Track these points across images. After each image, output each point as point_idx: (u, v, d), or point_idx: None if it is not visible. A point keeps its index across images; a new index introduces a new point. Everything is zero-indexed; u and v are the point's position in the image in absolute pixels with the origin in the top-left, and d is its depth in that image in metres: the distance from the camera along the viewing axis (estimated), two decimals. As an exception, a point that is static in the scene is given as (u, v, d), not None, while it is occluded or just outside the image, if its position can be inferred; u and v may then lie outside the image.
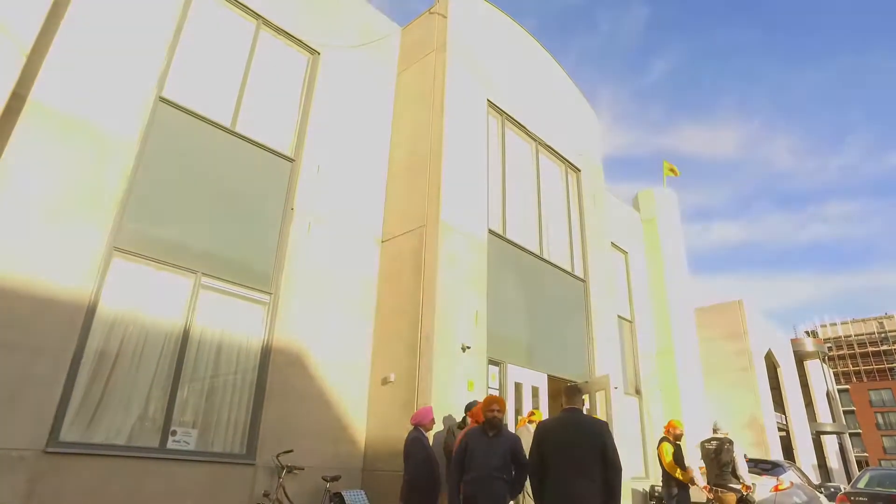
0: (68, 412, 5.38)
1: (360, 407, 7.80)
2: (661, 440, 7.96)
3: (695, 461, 8.13)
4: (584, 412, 4.60)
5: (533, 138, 11.07)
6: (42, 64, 5.79)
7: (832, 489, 16.53)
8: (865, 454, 59.47)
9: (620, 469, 4.12)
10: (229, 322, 6.90)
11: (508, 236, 9.61)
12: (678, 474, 7.61)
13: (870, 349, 77.96)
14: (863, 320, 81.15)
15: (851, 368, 77.69)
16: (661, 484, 8.43)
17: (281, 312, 7.27)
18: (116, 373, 5.83)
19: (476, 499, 4.63)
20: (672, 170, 19.05)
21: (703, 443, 7.91)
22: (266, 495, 6.23)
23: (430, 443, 6.18)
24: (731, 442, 7.56)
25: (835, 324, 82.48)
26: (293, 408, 7.04)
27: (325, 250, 8.01)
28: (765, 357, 24.07)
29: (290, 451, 6.60)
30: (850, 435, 38.54)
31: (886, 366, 75.71)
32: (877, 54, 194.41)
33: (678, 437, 7.97)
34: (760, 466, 10.12)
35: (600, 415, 9.40)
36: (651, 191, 18.54)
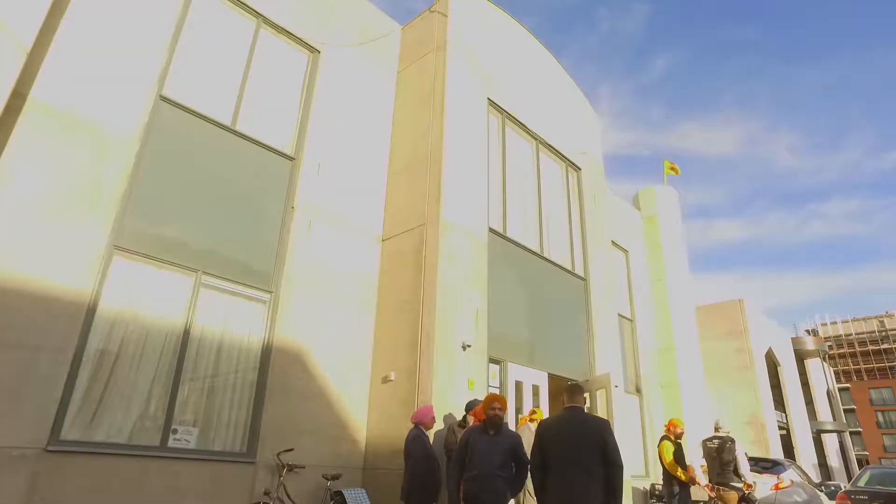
0: (69, 411, 5.39)
1: (361, 405, 7.80)
2: (662, 439, 7.97)
3: (696, 460, 8.13)
4: (585, 410, 4.60)
5: (533, 137, 11.06)
6: (42, 62, 5.79)
7: (832, 487, 16.55)
8: (866, 453, 59.49)
9: (621, 467, 4.12)
10: (230, 320, 6.90)
11: (509, 235, 9.61)
12: (679, 474, 7.61)
13: (870, 348, 77.91)
14: (863, 319, 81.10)
15: (852, 367, 77.67)
16: (661, 482, 8.43)
17: (281, 311, 7.27)
18: (117, 371, 5.83)
19: (477, 497, 4.63)
20: (673, 168, 19.03)
21: (704, 441, 7.92)
22: (267, 494, 6.23)
23: (431, 441, 6.19)
24: (732, 440, 7.56)
25: (835, 322, 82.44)
26: (294, 406, 7.05)
27: (326, 249, 8.01)
28: (765, 355, 24.08)
29: (291, 449, 6.60)
30: (851, 433, 38.57)
31: (887, 364, 75.68)
32: (878, 52, 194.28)
33: (679, 436, 7.98)
34: (761, 465, 10.12)
35: (601, 413, 9.41)
36: (652, 189, 18.53)
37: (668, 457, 7.68)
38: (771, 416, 22.09)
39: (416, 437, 5.84)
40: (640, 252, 17.19)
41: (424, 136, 8.81)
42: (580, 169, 12.20)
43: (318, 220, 8.03)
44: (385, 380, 7.72)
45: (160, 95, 6.79)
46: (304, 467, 6.63)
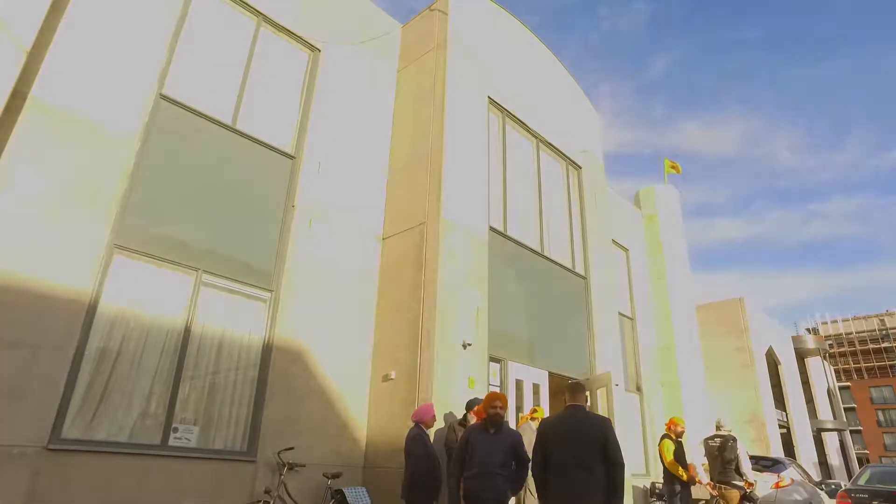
0: (70, 409, 5.40)
1: (362, 404, 7.81)
2: (663, 437, 7.97)
3: (697, 458, 8.13)
4: (587, 409, 4.60)
5: (534, 135, 11.05)
6: (43, 61, 5.79)
7: (833, 486, 16.55)
8: (866, 451, 59.51)
9: (623, 465, 4.13)
10: (230, 319, 6.90)
11: (509, 233, 9.61)
12: (681, 473, 7.61)
13: (871, 346, 77.91)
14: (864, 317, 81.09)
15: (853, 366, 77.67)
16: (661, 481, 8.43)
17: (282, 310, 7.28)
18: (118, 370, 5.84)
19: (477, 495, 4.63)
20: (674, 167, 19.01)
21: (706, 440, 7.92)
22: (267, 492, 6.24)
23: (432, 440, 6.20)
24: (734, 439, 7.56)
25: (836, 321, 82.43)
26: (294, 405, 7.05)
27: (326, 247, 8.01)
28: (766, 354, 24.06)
29: (292, 448, 6.61)
30: (851, 432, 38.56)
31: (888, 363, 75.68)
32: (879, 51, 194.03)
33: (680, 434, 7.98)
34: (761, 463, 10.14)
35: (602, 412, 9.41)
36: (652, 188, 18.52)
37: (669, 456, 7.68)
38: (771, 415, 22.08)
39: (417, 436, 5.84)
40: (641, 251, 17.18)
41: (425, 135, 8.81)
42: (581, 167, 12.19)
43: (318, 219, 8.03)
44: (385, 378, 7.72)
45: (160, 94, 6.79)
46: (304, 466, 6.64)
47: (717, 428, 7.89)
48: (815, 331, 75.54)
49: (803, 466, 14.65)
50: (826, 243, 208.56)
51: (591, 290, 11.15)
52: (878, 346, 77.54)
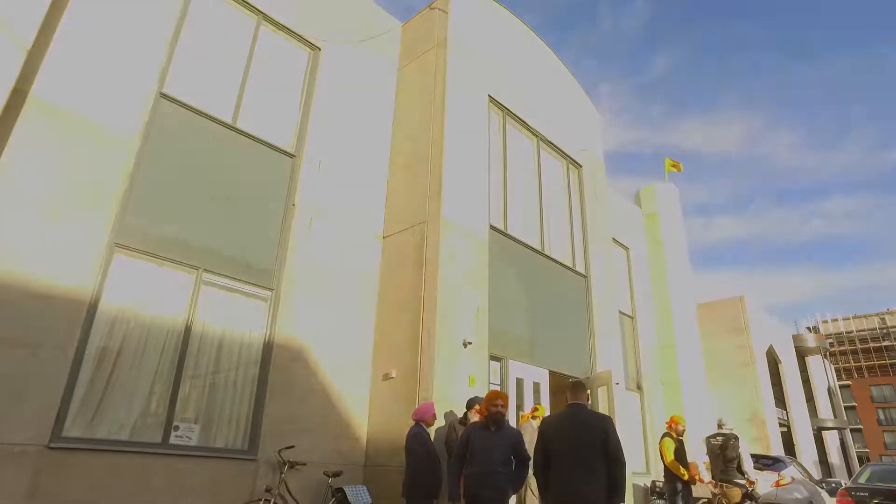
0: (71, 408, 5.40)
1: (362, 402, 7.81)
2: (664, 435, 7.97)
3: (699, 457, 8.14)
4: (588, 407, 4.61)
5: (534, 134, 11.05)
6: (43, 60, 5.79)
7: (833, 484, 16.52)
8: (866, 450, 59.51)
9: (624, 463, 4.13)
10: (231, 318, 6.91)
11: (510, 232, 9.61)
12: (682, 472, 7.61)
13: (871, 345, 77.94)
14: (864, 316, 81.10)
15: (853, 364, 77.69)
16: (662, 479, 8.44)
17: (282, 308, 7.28)
18: (119, 368, 5.84)
19: (478, 494, 4.64)
20: (675, 165, 19.00)
21: (708, 438, 7.92)
22: (268, 490, 6.25)
23: (432, 438, 6.20)
24: (736, 438, 7.57)
25: (836, 320, 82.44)
26: (295, 403, 7.06)
27: (327, 246, 8.01)
28: (766, 353, 24.04)
29: (292, 446, 6.61)
30: (852, 430, 38.52)
31: (888, 361, 75.69)
32: (880, 50, 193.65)
33: (681, 433, 7.98)
34: (762, 462, 10.14)
35: (603, 410, 9.41)
36: (653, 186, 18.51)
37: (670, 455, 7.67)
38: (772, 414, 22.07)
39: (417, 435, 5.85)
40: (641, 249, 17.18)
41: (425, 134, 8.80)
42: (581, 166, 12.19)
43: (318, 218, 8.03)
44: (386, 377, 7.73)
45: (160, 93, 6.79)
46: (305, 464, 6.64)
47: (719, 426, 7.90)
48: (815, 329, 75.53)
49: (804, 465, 14.67)
50: (826, 242, 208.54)
51: (591, 288, 11.15)
52: (879, 344, 77.55)
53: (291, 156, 8.09)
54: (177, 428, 6.09)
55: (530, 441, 5.25)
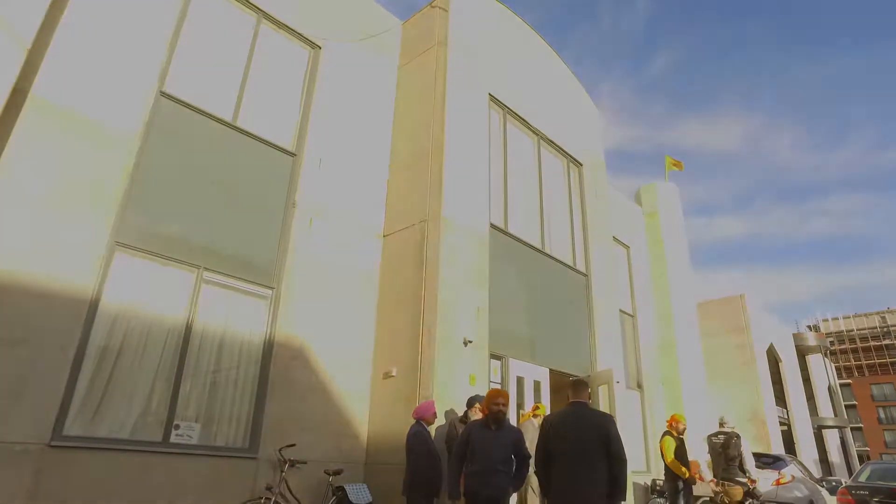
0: (72, 406, 5.40)
1: (363, 401, 7.82)
2: (665, 434, 7.97)
3: (701, 455, 8.15)
4: (589, 405, 4.61)
5: (535, 132, 11.04)
6: (43, 59, 5.78)
7: (833, 483, 16.55)
8: (867, 448, 59.53)
9: (625, 461, 4.13)
10: (231, 316, 6.91)
11: (510, 231, 9.61)
12: (683, 472, 7.61)
13: (872, 344, 77.93)
14: (865, 315, 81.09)
15: (853, 363, 77.70)
16: (662, 477, 8.44)
17: (283, 307, 7.28)
18: (119, 367, 5.85)
19: (478, 492, 4.64)
20: (676, 164, 18.99)
21: (709, 437, 7.93)
22: (269, 489, 6.25)
23: (433, 437, 6.20)
24: (738, 436, 7.59)
25: (837, 318, 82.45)
26: (295, 402, 7.06)
27: (327, 245, 8.01)
28: (766, 351, 24.05)
29: (293, 445, 6.62)
30: (852, 429, 38.53)
31: (888, 360, 75.68)
32: (880, 48, 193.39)
33: (681, 432, 7.98)
34: (762, 460, 10.16)
35: (603, 409, 9.41)
36: (653, 185, 18.50)
37: (670, 454, 7.67)
38: (772, 412, 22.09)
39: (418, 433, 5.86)
40: (642, 248, 17.17)
41: (425, 132, 8.80)
42: (582, 164, 12.18)
43: (319, 216, 8.03)
44: (386, 375, 7.73)
45: (161, 92, 6.79)
46: (305, 463, 6.65)
47: (721, 425, 7.90)
48: (815, 328, 75.54)
49: (804, 463, 14.69)
50: (827, 241, 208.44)
51: (591, 287, 11.15)
52: (879, 343, 77.55)
53: (292, 154, 8.09)
54: (177, 426, 6.10)
55: (531, 440, 5.25)
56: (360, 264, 8.37)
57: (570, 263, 10.97)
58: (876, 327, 78.99)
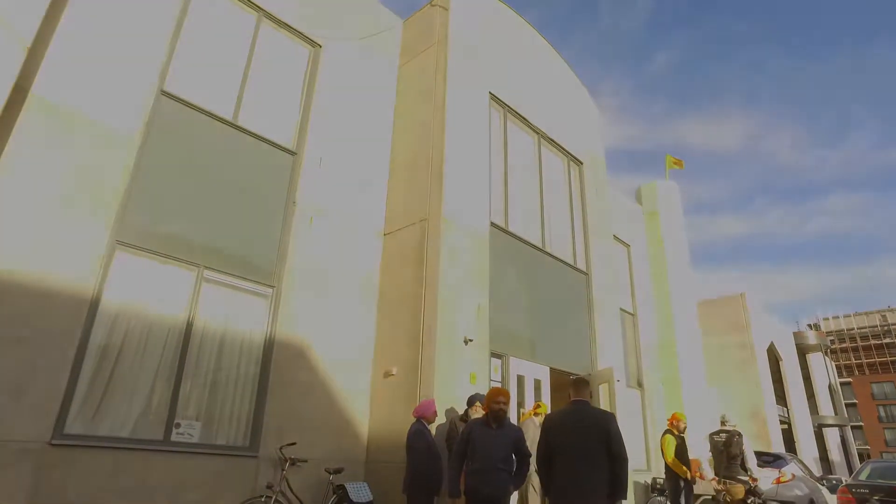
0: (73, 405, 5.41)
1: (363, 399, 7.82)
2: (665, 432, 7.98)
3: (704, 454, 8.16)
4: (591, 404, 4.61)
5: (535, 131, 11.03)
6: (44, 58, 5.78)
7: (834, 481, 16.56)
8: (867, 447, 59.58)
9: (626, 460, 4.13)
10: (232, 315, 6.91)
11: (511, 229, 9.60)
12: (684, 472, 7.61)
13: (872, 342, 77.90)
14: (865, 313, 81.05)
15: (854, 362, 77.68)
16: (662, 476, 8.45)
17: (283, 305, 7.28)
18: (120, 366, 5.85)
19: (479, 491, 4.64)
20: (677, 163, 18.99)
21: (711, 435, 7.94)
22: (269, 487, 6.26)
23: (433, 435, 6.20)
24: (740, 434, 7.59)
25: (837, 317, 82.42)
26: (296, 400, 7.07)
27: (327, 244, 8.01)
28: (767, 350, 24.07)
29: (294, 443, 6.62)
30: (852, 428, 38.58)
31: (889, 359, 75.67)
32: (881, 47, 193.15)
33: (682, 430, 7.99)
34: (763, 459, 10.15)
35: (604, 407, 9.41)
36: (654, 184, 18.50)
37: (671, 452, 7.68)
38: (772, 411, 22.10)
39: (418, 431, 5.85)
40: (642, 247, 17.17)
41: (426, 131, 8.79)
42: (582, 163, 12.18)
43: (319, 215, 8.03)
44: (387, 374, 7.73)
45: (161, 90, 6.78)
46: (306, 461, 6.65)
47: (722, 423, 7.91)
48: (816, 327, 75.56)
49: (804, 462, 14.69)
50: (827, 240, 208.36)
51: (592, 285, 11.15)
52: (880, 342, 77.53)
53: (292, 153, 8.09)
54: (178, 425, 6.10)
55: (533, 438, 5.25)
56: (361, 263, 8.37)
57: (571, 262, 10.97)
58: (876, 326, 78.97)
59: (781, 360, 26.47)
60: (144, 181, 6.40)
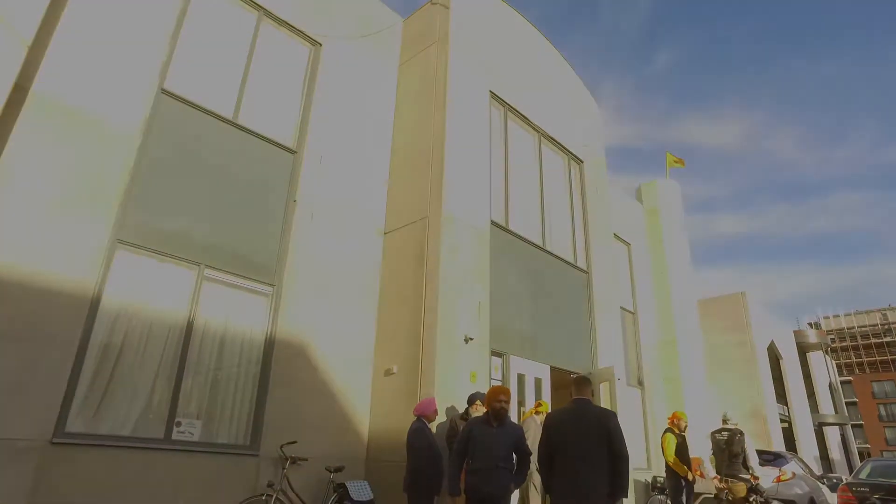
0: (74, 403, 5.41)
1: (364, 398, 7.82)
2: (666, 431, 7.98)
3: (705, 453, 8.16)
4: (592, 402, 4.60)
5: (536, 129, 11.02)
6: (44, 56, 5.78)
7: (834, 480, 16.56)
8: (868, 445, 59.58)
9: (627, 458, 4.13)
10: (232, 313, 6.91)
11: (511, 228, 9.60)
12: (684, 471, 7.60)
13: (873, 341, 77.88)
14: (866, 312, 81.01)
15: (854, 360, 77.67)
16: (663, 475, 8.45)
17: (284, 304, 7.29)
18: (121, 364, 5.86)
19: (480, 489, 4.64)
20: (678, 161, 18.97)
21: (713, 433, 7.94)
22: (270, 486, 6.26)
23: (434, 434, 6.20)
24: (741, 433, 7.59)
25: (838, 316, 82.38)
26: (297, 399, 7.07)
27: (328, 242, 8.01)
28: (767, 349, 24.04)
29: (294, 442, 6.63)
30: (853, 426, 38.57)
31: (889, 358, 75.66)
32: (882, 46, 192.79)
33: (683, 429, 7.98)
34: (763, 457, 10.15)
35: (605, 406, 9.41)
36: (654, 182, 18.48)
37: (671, 454, 7.67)
38: (773, 409, 22.08)
39: (419, 430, 5.86)
40: (643, 245, 17.16)
41: (426, 129, 8.79)
42: (582, 161, 12.17)
43: (319, 214, 8.02)
44: (387, 372, 7.73)
45: (162, 89, 6.78)
46: (307, 460, 6.66)
47: (724, 422, 7.91)
48: (816, 325, 75.61)
49: (805, 460, 14.69)
50: (828, 238, 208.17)
51: (592, 284, 11.15)
52: (881, 340, 77.52)
53: (292, 151, 8.08)
54: (179, 423, 6.11)
55: (534, 437, 5.25)
56: (361, 261, 8.37)
57: (571, 260, 10.96)
58: (877, 324, 78.94)
59: (782, 358, 26.45)
60: (145, 179, 6.39)
